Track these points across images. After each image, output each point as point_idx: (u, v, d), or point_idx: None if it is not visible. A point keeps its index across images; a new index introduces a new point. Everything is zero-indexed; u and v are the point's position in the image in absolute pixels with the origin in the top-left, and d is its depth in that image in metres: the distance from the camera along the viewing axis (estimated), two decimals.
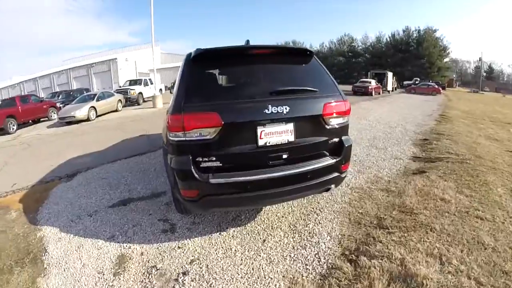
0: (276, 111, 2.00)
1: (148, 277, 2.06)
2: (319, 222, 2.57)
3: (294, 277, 1.93)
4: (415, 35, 45.31)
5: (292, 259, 2.12)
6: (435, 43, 43.26)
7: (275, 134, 2.05)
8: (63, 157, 5.48)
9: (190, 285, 1.94)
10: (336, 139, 2.26)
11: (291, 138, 2.09)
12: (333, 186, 2.35)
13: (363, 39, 50.87)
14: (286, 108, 2.02)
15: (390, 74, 26.03)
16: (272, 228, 2.53)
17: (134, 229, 2.68)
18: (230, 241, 2.40)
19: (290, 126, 2.07)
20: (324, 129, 2.19)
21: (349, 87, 21.64)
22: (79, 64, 33.71)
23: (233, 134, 2.01)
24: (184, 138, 1.97)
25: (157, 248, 2.39)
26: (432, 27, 44.22)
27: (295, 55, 2.47)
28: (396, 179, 3.43)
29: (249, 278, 1.97)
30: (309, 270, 2.00)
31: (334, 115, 2.20)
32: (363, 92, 18.83)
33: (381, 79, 24.59)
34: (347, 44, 50.86)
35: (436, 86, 25.81)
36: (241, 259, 2.16)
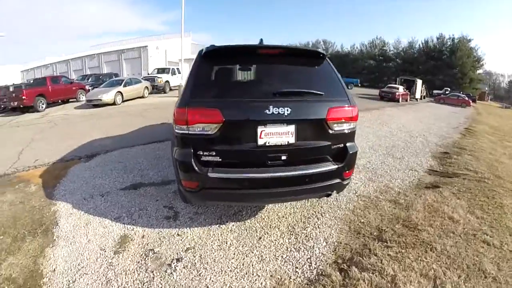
0: (277, 112, 2.00)
1: (145, 259, 2.16)
2: (318, 226, 2.55)
3: (281, 278, 1.94)
4: (448, 43, 42.61)
5: (284, 260, 2.12)
6: (469, 53, 40.62)
7: (275, 134, 2.04)
8: (86, 138, 5.78)
9: (181, 272, 2.01)
10: (340, 145, 2.21)
11: (292, 140, 2.07)
12: (334, 192, 2.32)
13: (395, 43, 48.60)
14: (287, 110, 2.01)
15: (419, 82, 24.80)
16: (270, 227, 2.54)
17: (139, 213, 2.80)
18: (227, 234, 2.45)
19: (291, 128, 2.06)
20: (328, 134, 2.14)
21: (377, 92, 20.91)
22: (111, 49, 34.67)
23: (234, 132, 2.05)
24: (187, 132, 2.03)
25: (158, 233, 2.49)
26: (467, 36, 41.47)
27: (305, 56, 2.42)
28: (407, 192, 3.29)
29: (237, 272, 2.00)
30: (298, 273, 1.99)
31: (339, 120, 2.14)
32: (390, 98, 18.13)
33: (409, 86, 23.51)
34: (378, 47, 48.88)
35: (467, 98, 24.23)
36: (234, 253, 2.20)
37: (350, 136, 2.27)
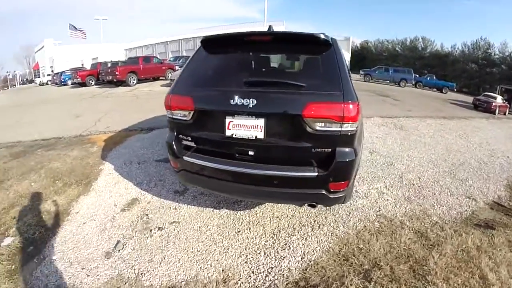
0: (241, 103, 1.76)
1: (138, 220, 2.39)
2: (306, 238, 2.17)
3: (230, 276, 1.78)
4: None
5: (245, 261, 1.92)
6: None
7: (243, 127, 1.81)
8: (156, 113, 6.54)
9: (155, 239, 2.15)
10: (326, 149, 1.75)
11: (260, 135, 1.79)
12: (319, 204, 1.92)
13: (501, 46, 35.63)
14: (252, 101, 1.74)
15: None
16: (256, 224, 2.33)
17: (157, 182, 3.07)
18: (213, 219, 2.40)
19: (261, 122, 1.77)
20: (307, 134, 1.72)
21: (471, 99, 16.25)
22: (205, 33, 37.31)
23: (204, 120, 1.96)
24: (172, 117, 2.11)
25: (161, 202, 2.69)
26: None
27: (303, 43, 1.99)
28: (446, 225, 2.42)
29: (196, 256, 1.97)
30: (249, 278, 1.77)
31: (324, 118, 1.69)
32: (485, 108, 13.82)
33: (511, 97, 17.14)
34: (482, 49, 37.23)
35: None
36: (206, 238, 2.16)
37: (344, 140, 1.76)
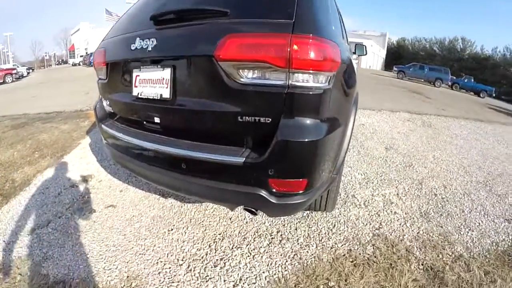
0: (140, 47, 1.13)
1: (78, 198, 2.03)
2: (253, 256, 1.44)
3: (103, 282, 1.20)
4: None
5: (159, 271, 1.33)
6: None
7: (149, 83, 1.19)
8: None
9: (80, 222, 1.75)
10: (263, 118, 0.97)
11: (166, 93, 1.13)
12: (259, 210, 1.16)
13: None
14: (152, 42, 1.09)
15: None
16: (197, 224, 1.68)
17: None
18: (152, 210, 1.85)
19: (166, 73, 1.11)
20: (228, 90, 0.99)
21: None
22: None
23: (116, 77, 1.44)
24: (98, 78, 1.64)
25: (112, 182, 2.29)
26: None
27: None
28: (474, 261, 1.49)
29: (107, 250, 1.50)
30: None
31: (253, 61, 0.94)
32: None
33: None
34: None
35: None
36: (130, 231, 1.64)
37: (297, 103, 0.96)
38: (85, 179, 2.30)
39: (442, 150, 3.49)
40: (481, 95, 17.30)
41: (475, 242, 1.74)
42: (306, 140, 0.96)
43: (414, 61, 23.78)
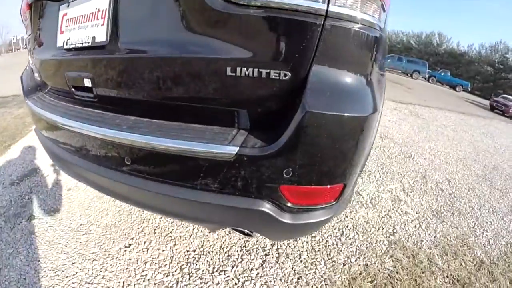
0: None
1: (17, 199, 1.57)
2: (243, 284, 1.10)
3: None
4: None
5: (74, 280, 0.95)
6: None
7: (78, 22, 0.74)
8: None
9: (13, 233, 1.31)
10: (273, 71, 0.52)
11: (101, 34, 0.67)
12: (256, 232, 0.76)
13: None
14: None
15: None
16: (164, 237, 1.27)
17: None
18: (106, 216, 1.42)
19: (104, 2, 0.66)
20: (215, 15, 0.53)
21: (486, 102, 14.30)
22: None
23: (39, 23, 0.93)
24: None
25: (59, 179, 1.78)
26: None
27: None
28: (496, 267, 1.33)
29: (38, 276, 1.03)
30: None
31: None
32: (502, 111, 12.09)
33: None
34: (500, 53, 33.76)
35: None
36: (75, 247, 1.21)
37: (348, 49, 0.54)
38: (29, 174, 1.82)
39: (436, 140, 3.36)
40: (457, 89, 18.02)
41: (492, 244, 1.57)
42: (357, 115, 0.54)
43: (391, 53, 24.13)
